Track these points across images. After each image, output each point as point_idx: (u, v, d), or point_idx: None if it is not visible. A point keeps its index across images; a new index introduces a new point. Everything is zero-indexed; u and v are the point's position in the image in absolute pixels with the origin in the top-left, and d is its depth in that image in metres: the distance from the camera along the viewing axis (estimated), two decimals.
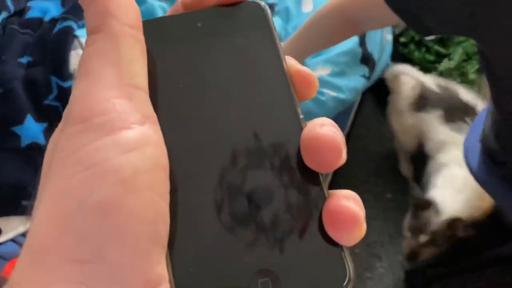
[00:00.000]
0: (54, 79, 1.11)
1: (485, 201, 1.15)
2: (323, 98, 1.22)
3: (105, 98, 0.20)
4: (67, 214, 0.18)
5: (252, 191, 0.21)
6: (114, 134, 0.19)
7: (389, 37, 1.44)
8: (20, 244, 0.98)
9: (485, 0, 0.69)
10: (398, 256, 1.33)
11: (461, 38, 1.54)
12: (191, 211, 0.20)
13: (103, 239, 0.18)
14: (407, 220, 1.23)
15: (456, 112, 1.29)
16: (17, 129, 1.07)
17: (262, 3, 0.25)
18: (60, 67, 1.11)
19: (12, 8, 1.24)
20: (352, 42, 1.28)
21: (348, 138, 1.49)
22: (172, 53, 0.23)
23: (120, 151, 0.19)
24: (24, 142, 1.07)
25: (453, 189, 1.19)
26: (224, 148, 0.22)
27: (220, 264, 0.20)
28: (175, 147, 0.21)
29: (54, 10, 1.25)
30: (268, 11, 0.25)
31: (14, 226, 1.01)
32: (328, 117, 0.22)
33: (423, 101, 1.33)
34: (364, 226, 0.20)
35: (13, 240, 0.99)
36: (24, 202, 1.03)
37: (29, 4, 1.26)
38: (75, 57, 1.12)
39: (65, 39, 1.14)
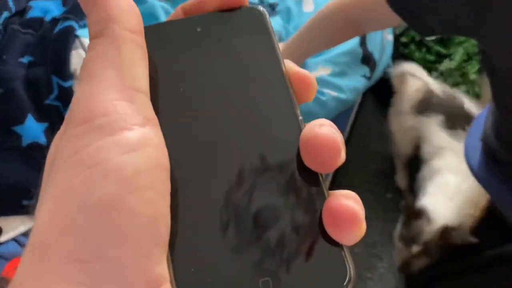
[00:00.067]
0: (55, 79, 1.11)
1: (477, 209, 1.15)
2: (323, 98, 1.22)
3: (107, 99, 0.20)
4: (68, 214, 0.18)
5: (252, 191, 0.21)
6: (116, 135, 0.19)
7: (389, 37, 1.44)
8: (21, 244, 0.98)
9: (485, 0, 0.69)
10: None
11: (462, 39, 1.54)
12: (192, 212, 0.21)
13: (103, 239, 0.18)
14: (398, 229, 1.22)
15: (457, 119, 1.29)
16: (18, 128, 1.07)
17: (261, 8, 0.25)
18: (61, 67, 1.11)
19: (13, 8, 1.24)
20: (352, 42, 1.28)
21: (349, 138, 1.49)
22: (173, 58, 0.24)
23: (121, 151, 0.19)
24: (25, 141, 1.07)
25: (445, 197, 1.18)
26: (224, 151, 0.22)
27: (221, 264, 0.20)
28: (175, 149, 0.21)
29: (55, 9, 1.24)
30: (267, 15, 0.25)
31: (14, 225, 1.01)
32: (328, 117, 0.22)
33: (425, 104, 1.32)
34: (364, 225, 0.20)
35: (14, 239, 0.99)
36: (25, 202, 1.03)
37: (30, 3, 1.26)
38: (76, 57, 1.12)
39: (66, 39, 1.14)
